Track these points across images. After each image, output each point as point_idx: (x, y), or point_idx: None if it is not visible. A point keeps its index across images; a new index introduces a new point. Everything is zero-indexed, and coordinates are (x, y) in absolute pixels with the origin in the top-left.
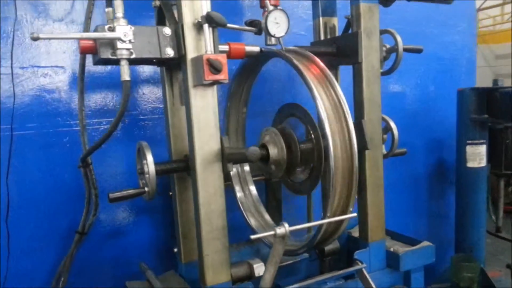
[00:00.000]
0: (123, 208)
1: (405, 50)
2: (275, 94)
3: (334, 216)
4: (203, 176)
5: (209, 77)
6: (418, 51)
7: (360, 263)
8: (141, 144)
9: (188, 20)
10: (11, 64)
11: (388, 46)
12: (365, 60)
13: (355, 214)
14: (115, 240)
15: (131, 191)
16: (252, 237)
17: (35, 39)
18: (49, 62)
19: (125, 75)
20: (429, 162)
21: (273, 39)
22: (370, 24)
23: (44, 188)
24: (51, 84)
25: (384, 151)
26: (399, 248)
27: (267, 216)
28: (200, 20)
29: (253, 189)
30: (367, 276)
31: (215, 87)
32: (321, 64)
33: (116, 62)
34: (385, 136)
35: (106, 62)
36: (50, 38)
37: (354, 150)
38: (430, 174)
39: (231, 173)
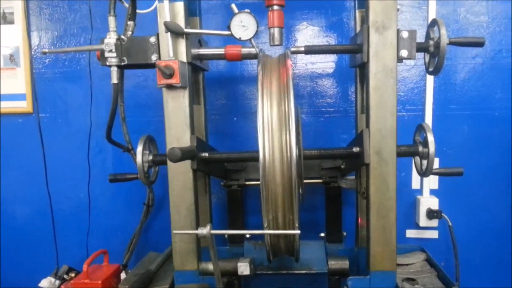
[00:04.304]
0: None
1: (453, 43)
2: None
3: (280, 229)
4: (173, 171)
5: (161, 81)
6: (476, 44)
7: None
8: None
9: (161, 28)
10: None
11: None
12: (374, 59)
13: (297, 232)
14: None
15: (126, 176)
16: (174, 232)
17: (44, 53)
18: None
19: (114, 79)
20: None
21: (275, 40)
22: (381, 17)
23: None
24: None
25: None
26: (407, 285)
27: None
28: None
29: None
30: None
31: (186, 90)
32: (290, 73)
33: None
34: (426, 149)
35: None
36: (54, 52)
37: (293, 162)
38: None
39: None
